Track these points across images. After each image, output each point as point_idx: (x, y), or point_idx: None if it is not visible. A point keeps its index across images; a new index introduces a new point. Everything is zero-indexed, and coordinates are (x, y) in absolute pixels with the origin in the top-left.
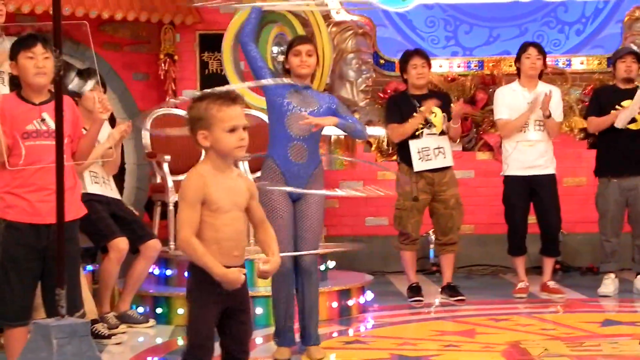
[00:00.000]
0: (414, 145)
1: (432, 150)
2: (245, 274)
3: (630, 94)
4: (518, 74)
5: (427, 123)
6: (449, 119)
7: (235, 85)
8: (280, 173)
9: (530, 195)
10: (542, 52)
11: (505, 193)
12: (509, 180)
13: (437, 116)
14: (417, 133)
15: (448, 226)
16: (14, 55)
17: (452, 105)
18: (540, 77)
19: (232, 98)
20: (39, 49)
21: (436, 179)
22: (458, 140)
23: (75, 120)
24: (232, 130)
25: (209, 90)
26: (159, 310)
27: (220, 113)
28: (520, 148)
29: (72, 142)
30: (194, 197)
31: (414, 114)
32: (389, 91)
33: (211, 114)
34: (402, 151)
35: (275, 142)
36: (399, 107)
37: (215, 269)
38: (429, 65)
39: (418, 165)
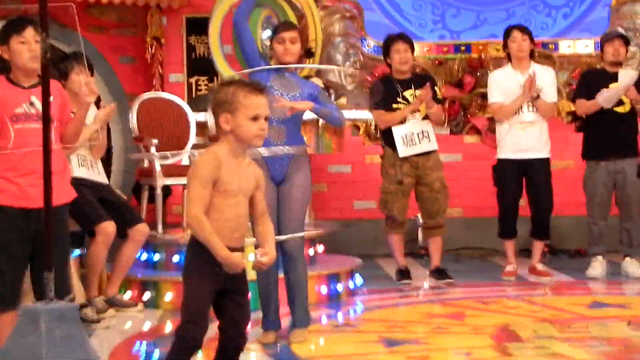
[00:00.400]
0: (397, 131)
1: (416, 134)
2: (228, 247)
3: (617, 78)
4: (509, 58)
5: None
6: (436, 102)
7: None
8: (259, 155)
9: (522, 177)
10: (527, 33)
11: (497, 175)
12: (502, 163)
13: None
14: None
15: (434, 209)
16: (5, 39)
17: (436, 87)
18: (532, 57)
19: (260, 88)
20: (30, 32)
21: (420, 163)
22: (445, 124)
23: (63, 104)
24: (255, 118)
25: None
26: (146, 295)
27: (246, 100)
28: (514, 131)
29: (60, 125)
30: (208, 176)
31: (400, 102)
32: (376, 74)
33: (237, 99)
34: (386, 135)
35: None
36: (384, 91)
37: (220, 250)
38: (412, 50)
39: (403, 150)
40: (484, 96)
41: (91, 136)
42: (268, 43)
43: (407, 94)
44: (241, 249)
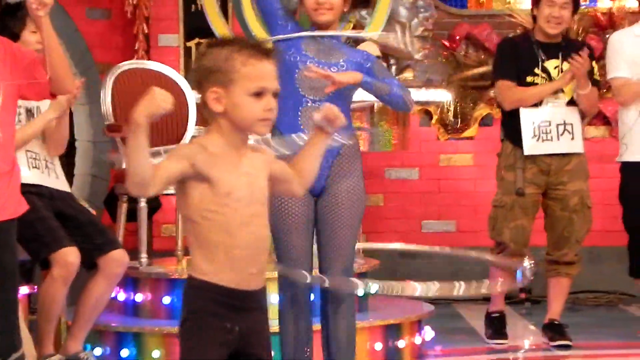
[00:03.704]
0: (528, 116)
1: (555, 126)
2: (240, 292)
3: None
4: None
5: None
6: (593, 83)
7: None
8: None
9: None
10: None
11: (623, 187)
12: (630, 169)
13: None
14: None
15: (564, 236)
16: None
17: (594, 62)
18: None
19: (265, 51)
20: None
21: (553, 166)
22: (592, 115)
23: (14, 62)
24: (259, 94)
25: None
26: (124, 353)
27: (246, 68)
28: None
29: (27, 87)
30: (181, 152)
31: (537, 75)
32: (457, 37)
33: (233, 66)
34: (508, 121)
35: (283, 108)
36: (516, 56)
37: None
38: (576, 5)
39: (532, 146)
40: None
41: (47, 127)
42: None
43: (550, 65)
44: (261, 293)
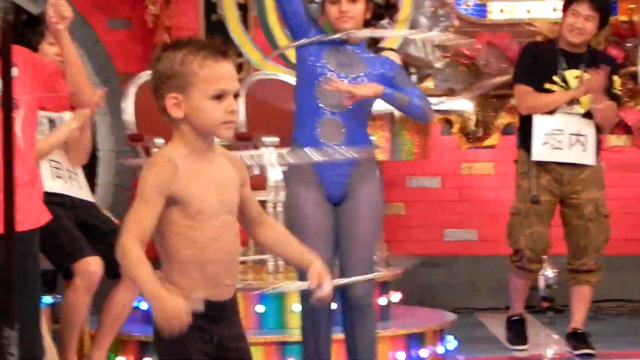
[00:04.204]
0: (540, 123)
1: (568, 135)
2: (215, 303)
3: None
4: None
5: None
6: (612, 97)
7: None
8: (307, 163)
9: None
10: None
11: None
12: None
13: None
14: None
15: (581, 245)
16: None
17: (615, 76)
18: None
19: (222, 50)
20: None
21: (566, 175)
22: (609, 129)
23: (34, 73)
24: (219, 96)
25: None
26: None
27: (203, 70)
28: None
29: (48, 100)
30: (155, 190)
31: (555, 84)
32: (478, 46)
33: (190, 69)
34: (523, 128)
35: (302, 119)
36: (537, 62)
37: (150, 289)
38: (603, 19)
39: (540, 152)
40: (637, 78)
41: (70, 138)
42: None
43: (570, 74)
44: (235, 299)
